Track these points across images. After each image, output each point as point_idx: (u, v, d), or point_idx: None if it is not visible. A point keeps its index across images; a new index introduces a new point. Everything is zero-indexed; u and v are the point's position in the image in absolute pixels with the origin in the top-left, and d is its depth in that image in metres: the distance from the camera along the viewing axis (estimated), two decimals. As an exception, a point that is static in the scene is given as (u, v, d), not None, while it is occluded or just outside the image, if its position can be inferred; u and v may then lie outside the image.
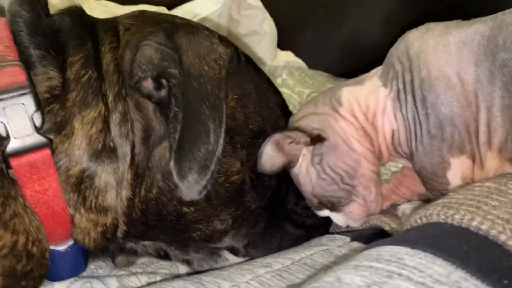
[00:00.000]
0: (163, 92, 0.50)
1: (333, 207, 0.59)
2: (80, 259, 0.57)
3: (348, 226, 0.62)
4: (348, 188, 0.58)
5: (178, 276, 0.63)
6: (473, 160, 0.50)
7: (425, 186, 0.55)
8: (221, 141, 0.50)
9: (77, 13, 0.54)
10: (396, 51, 0.55)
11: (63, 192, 0.50)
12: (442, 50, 0.50)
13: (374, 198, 0.59)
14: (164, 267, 0.65)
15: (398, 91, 0.53)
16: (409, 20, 1.33)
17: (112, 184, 0.51)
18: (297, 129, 0.57)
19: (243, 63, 0.60)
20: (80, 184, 0.50)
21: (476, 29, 0.50)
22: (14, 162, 0.46)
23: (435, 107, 0.49)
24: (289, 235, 0.63)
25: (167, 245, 0.62)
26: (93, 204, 0.51)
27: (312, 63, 1.42)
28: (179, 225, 0.56)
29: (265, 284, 0.49)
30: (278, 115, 0.62)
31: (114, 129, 0.51)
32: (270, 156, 0.57)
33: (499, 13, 0.51)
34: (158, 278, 0.62)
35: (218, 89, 0.52)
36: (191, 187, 0.49)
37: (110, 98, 0.50)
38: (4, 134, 0.46)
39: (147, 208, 0.54)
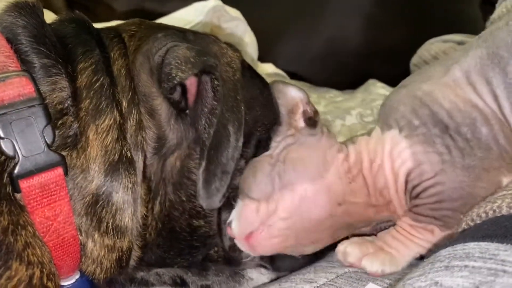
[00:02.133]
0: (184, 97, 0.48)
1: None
2: (87, 294, 0.51)
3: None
4: (277, 182, 0.49)
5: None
6: None
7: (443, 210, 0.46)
8: (240, 145, 0.48)
9: (81, 20, 0.50)
10: (394, 103, 0.50)
11: (74, 216, 0.45)
12: (452, 85, 0.47)
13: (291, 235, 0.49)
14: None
15: (414, 127, 0.47)
16: (387, 25, 1.36)
17: (130, 200, 0.46)
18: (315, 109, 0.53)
19: (246, 68, 0.58)
20: (96, 204, 0.45)
21: (472, 55, 0.48)
22: (23, 184, 0.41)
23: (475, 130, 0.45)
24: None
25: (184, 271, 0.57)
26: (109, 225, 0.46)
27: (293, 74, 1.40)
28: (193, 241, 0.52)
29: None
30: None
31: (130, 138, 0.46)
32: (284, 95, 0.55)
33: (485, 33, 0.50)
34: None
35: (235, 91, 0.49)
36: (212, 196, 0.47)
37: (124, 104, 0.47)
38: (11, 153, 0.40)
39: (162, 227, 0.50)
